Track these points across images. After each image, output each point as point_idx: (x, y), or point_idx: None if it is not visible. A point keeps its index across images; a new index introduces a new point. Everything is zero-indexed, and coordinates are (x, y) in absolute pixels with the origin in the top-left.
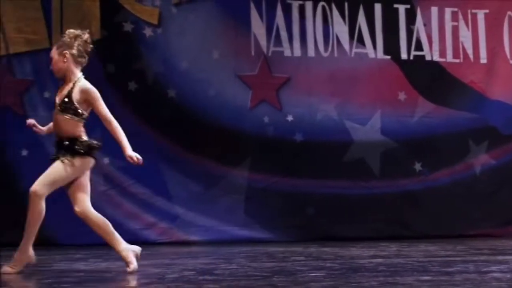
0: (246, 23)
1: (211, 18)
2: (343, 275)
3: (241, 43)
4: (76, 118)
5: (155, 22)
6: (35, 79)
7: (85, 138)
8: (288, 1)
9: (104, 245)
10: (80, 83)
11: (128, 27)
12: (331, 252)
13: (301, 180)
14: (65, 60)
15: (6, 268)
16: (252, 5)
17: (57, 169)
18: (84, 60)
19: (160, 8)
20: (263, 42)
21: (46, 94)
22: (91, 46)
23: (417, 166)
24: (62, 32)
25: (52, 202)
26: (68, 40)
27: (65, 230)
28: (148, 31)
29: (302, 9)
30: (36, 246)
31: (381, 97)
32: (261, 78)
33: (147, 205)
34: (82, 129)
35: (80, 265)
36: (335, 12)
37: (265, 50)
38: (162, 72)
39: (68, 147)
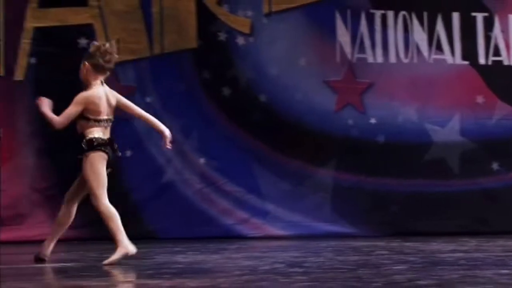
0: (332, 32)
1: (299, 27)
2: (424, 268)
3: (327, 51)
4: (82, 120)
5: (248, 31)
6: (137, 85)
7: (90, 135)
8: (371, 11)
9: (201, 239)
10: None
11: (222, 36)
12: (412, 246)
13: (384, 179)
14: (84, 70)
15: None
16: (337, 15)
17: (89, 177)
18: (104, 70)
19: (252, 18)
20: (347, 49)
21: (148, 99)
22: (112, 55)
23: (495, 166)
24: (162, 42)
25: (151, 199)
26: (91, 51)
27: (164, 224)
28: (241, 40)
29: (384, 19)
30: (137, 240)
31: (459, 100)
32: (346, 83)
33: (240, 202)
34: (93, 129)
35: (179, 258)
36: (415, 21)
37: (349, 57)
38: (253, 78)
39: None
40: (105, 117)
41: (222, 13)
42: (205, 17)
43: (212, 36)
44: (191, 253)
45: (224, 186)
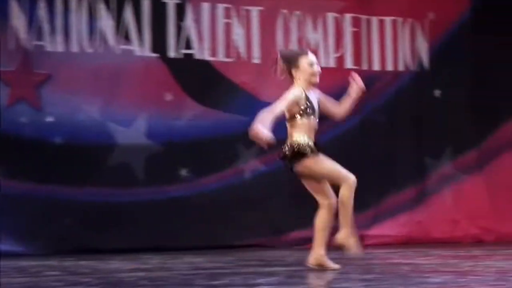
0: (5, 15)
1: None
2: None
3: None
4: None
5: None
6: None
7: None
8: None
9: None
10: None
11: None
12: (88, 265)
13: (59, 186)
14: None
15: None
16: None
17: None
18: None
19: None
20: (23, 35)
21: None
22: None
23: (184, 172)
24: None
25: None
26: None
27: None
28: None
29: (66, 1)
30: None
31: (147, 97)
32: (21, 74)
33: None
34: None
35: None
36: (101, 5)
37: (26, 44)
38: None
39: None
40: None
41: None
42: None
43: None
44: None
45: None
